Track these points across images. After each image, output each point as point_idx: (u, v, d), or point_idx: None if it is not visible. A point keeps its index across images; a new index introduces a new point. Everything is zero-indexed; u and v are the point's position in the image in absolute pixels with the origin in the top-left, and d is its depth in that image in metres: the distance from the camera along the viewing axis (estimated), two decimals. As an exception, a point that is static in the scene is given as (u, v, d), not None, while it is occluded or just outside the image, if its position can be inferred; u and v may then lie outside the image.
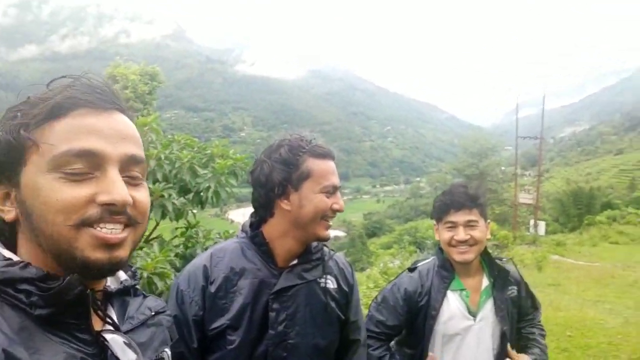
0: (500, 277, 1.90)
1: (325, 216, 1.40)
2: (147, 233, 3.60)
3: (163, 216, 3.04)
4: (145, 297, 0.88)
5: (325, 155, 1.41)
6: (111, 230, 0.69)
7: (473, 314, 1.85)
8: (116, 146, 0.71)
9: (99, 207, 0.67)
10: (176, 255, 3.03)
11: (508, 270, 1.93)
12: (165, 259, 2.74)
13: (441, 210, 1.85)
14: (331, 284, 1.48)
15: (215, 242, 3.05)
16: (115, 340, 0.73)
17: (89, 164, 0.68)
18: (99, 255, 0.68)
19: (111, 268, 0.71)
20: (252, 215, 1.51)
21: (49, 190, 0.66)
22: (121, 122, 0.74)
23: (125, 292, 0.83)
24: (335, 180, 1.41)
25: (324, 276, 1.46)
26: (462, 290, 1.87)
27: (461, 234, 1.78)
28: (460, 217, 1.79)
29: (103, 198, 0.67)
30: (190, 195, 3.31)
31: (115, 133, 0.71)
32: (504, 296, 1.87)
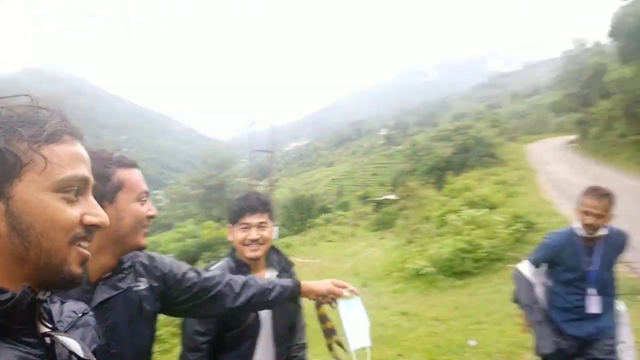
0: (284, 270, 2.14)
1: (143, 225, 1.40)
2: None
3: None
4: (62, 302, 0.92)
5: (132, 164, 1.43)
6: (85, 249, 0.76)
7: None
8: (89, 172, 0.78)
9: (83, 227, 0.74)
10: None
11: (293, 263, 2.21)
12: None
13: (237, 214, 2.02)
14: (142, 285, 1.47)
15: None
16: (64, 339, 0.79)
17: (79, 189, 0.75)
18: (79, 270, 0.75)
19: (81, 281, 0.77)
20: None
21: (55, 208, 0.71)
22: (84, 148, 0.80)
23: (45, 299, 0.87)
24: (145, 187, 1.43)
25: (136, 280, 1.46)
26: None
27: (253, 234, 1.99)
28: (254, 219, 2.00)
29: (91, 219, 0.75)
30: None
31: (86, 159, 0.78)
32: None
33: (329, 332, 1.79)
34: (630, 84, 26.40)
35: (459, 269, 9.59)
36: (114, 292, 1.39)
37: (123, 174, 1.38)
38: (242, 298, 1.61)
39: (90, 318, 0.95)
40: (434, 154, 41.36)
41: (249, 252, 2.02)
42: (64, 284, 0.75)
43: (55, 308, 0.88)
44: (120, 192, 1.37)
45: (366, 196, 53.43)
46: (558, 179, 21.90)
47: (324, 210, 40.16)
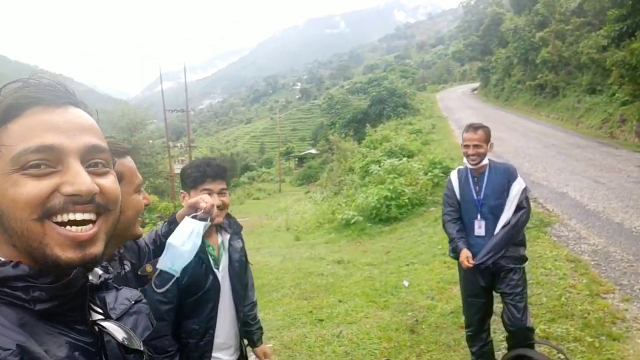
0: (235, 232, 2.18)
1: (139, 215, 1.38)
2: None
3: None
4: (118, 289, 0.89)
5: (126, 152, 1.38)
6: (81, 228, 0.70)
7: (217, 266, 2.06)
8: (74, 138, 0.71)
9: (63, 197, 0.68)
10: None
11: (241, 225, 2.25)
12: None
13: (198, 180, 1.99)
14: (127, 267, 1.50)
15: None
16: (111, 327, 0.78)
17: (50, 159, 0.69)
18: (70, 254, 0.69)
19: (85, 266, 0.71)
20: None
21: (13, 188, 0.67)
22: (77, 115, 0.75)
23: (100, 287, 0.84)
24: (140, 176, 1.40)
25: (122, 265, 1.48)
26: (209, 246, 2.06)
27: (216, 199, 1.95)
28: (216, 185, 2.00)
29: (67, 189, 0.68)
30: None
31: (72, 126, 0.72)
32: (236, 246, 2.17)
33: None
34: (524, 32, 28.53)
35: (386, 215, 10.18)
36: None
37: (120, 164, 1.32)
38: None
39: (143, 305, 0.93)
40: (351, 106, 42.26)
41: None
42: (59, 271, 0.69)
43: (110, 295, 0.86)
44: (120, 185, 1.30)
45: (288, 152, 53.60)
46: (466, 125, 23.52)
47: (247, 168, 39.78)
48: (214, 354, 2.04)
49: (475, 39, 42.24)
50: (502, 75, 36.09)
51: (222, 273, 2.07)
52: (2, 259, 0.69)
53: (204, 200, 1.61)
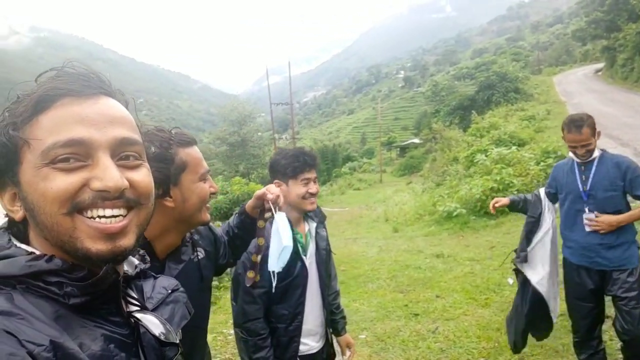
0: (321, 221, 2.26)
1: (206, 202, 1.42)
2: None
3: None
4: (155, 278, 0.90)
5: (191, 142, 1.40)
6: (110, 220, 0.69)
7: (305, 254, 2.12)
8: (104, 131, 0.70)
9: (92, 192, 0.68)
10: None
11: (325, 215, 2.31)
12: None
13: (298, 169, 2.06)
14: (201, 254, 1.52)
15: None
16: (147, 319, 0.78)
17: (79, 153, 0.68)
18: (99, 246, 0.68)
19: (115, 258, 0.70)
20: None
21: (44, 182, 0.67)
22: (108, 106, 0.73)
23: (137, 276, 0.85)
24: (206, 165, 1.43)
25: (195, 251, 1.50)
26: (297, 233, 2.13)
27: (313, 187, 2.09)
28: (311, 174, 2.09)
29: (96, 184, 0.68)
30: None
31: (102, 118, 0.70)
32: (322, 235, 2.25)
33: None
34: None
35: (491, 208, 9.59)
36: (180, 266, 1.42)
37: (185, 154, 1.36)
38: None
39: (180, 294, 0.93)
40: (457, 93, 40.33)
41: (309, 205, 2.08)
42: (89, 264, 0.70)
43: (148, 284, 0.87)
44: (184, 173, 1.36)
45: (390, 142, 52.91)
46: (587, 110, 21.16)
47: (349, 158, 40.13)
48: (302, 339, 2.09)
49: (600, 14, 37.57)
50: (631, 53, 31.69)
51: (310, 260, 2.13)
52: (37, 252, 0.70)
53: (270, 191, 1.62)
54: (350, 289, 6.14)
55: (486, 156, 12.61)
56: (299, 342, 2.08)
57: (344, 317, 2.46)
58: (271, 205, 1.59)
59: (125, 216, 0.71)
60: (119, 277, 0.73)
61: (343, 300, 2.76)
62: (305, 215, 2.19)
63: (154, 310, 0.82)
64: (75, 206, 0.67)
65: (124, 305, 0.76)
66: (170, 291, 0.90)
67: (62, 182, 0.67)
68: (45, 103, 0.68)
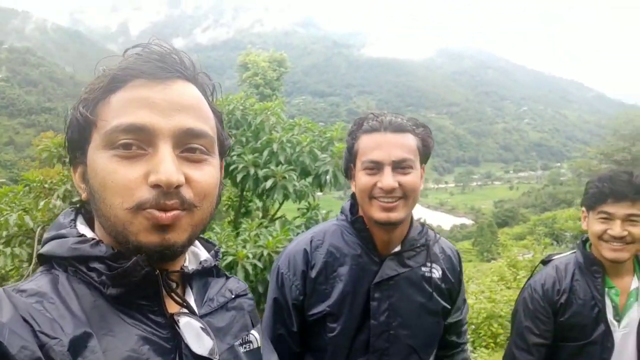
0: None
1: (372, 196, 1.28)
2: (272, 212, 3.61)
3: (285, 197, 3.17)
4: (227, 278, 0.86)
5: (374, 128, 1.29)
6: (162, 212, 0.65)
7: (619, 318, 1.63)
8: (169, 119, 0.66)
9: (154, 192, 0.64)
10: (297, 235, 2.69)
11: None
12: (285, 237, 2.80)
13: (596, 198, 1.59)
14: (436, 272, 1.40)
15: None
16: (189, 325, 0.72)
17: (140, 140, 0.65)
18: (151, 238, 0.65)
19: (163, 252, 0.66)
20: (352, 196, 1.43)
21: (104, 171, 0.65)
22: (180, 91, 0.69)
23: (208, 273, 0.81)
24: (377, 155, 1.26)
25: (429, 264, 1.38)
26: (611, 287, 1.64)
27: (617, 228, 1.54)
28: (619, 209, 1.54)
29: (151, 178, 0.64)
30: (311, 178, 3.49)
31: (169, 104, 0.67)
32: None
33: None
34: None
35: None
36: (401, 270, 1.34)
37: (362, 141, 1.30)
38: None
39: (246, 301, 0.86)
40: None
41: (609, 252, 1.58)
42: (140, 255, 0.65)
43: (217, 284, 0.83)
44: (356, 160, 1.33)
45: None
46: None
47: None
48: None
49: None
50: None
51: (625, 330, 1.62)
52: (88, 235, 0.70)
53: None
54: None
55: None
56: None
57: None
58: None
59: (178, 209, 0.66)
60: (155, 271, 0.67)
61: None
62: (638, 266, 1.68)
63: (208, 315, 0.76)
64: (138, 206, 0.64)
65: (172, 305, 0.71)
66: (234, 296, 0.83)
67: (122, 176, 0.64)
68: (117, 83, 0.66)
